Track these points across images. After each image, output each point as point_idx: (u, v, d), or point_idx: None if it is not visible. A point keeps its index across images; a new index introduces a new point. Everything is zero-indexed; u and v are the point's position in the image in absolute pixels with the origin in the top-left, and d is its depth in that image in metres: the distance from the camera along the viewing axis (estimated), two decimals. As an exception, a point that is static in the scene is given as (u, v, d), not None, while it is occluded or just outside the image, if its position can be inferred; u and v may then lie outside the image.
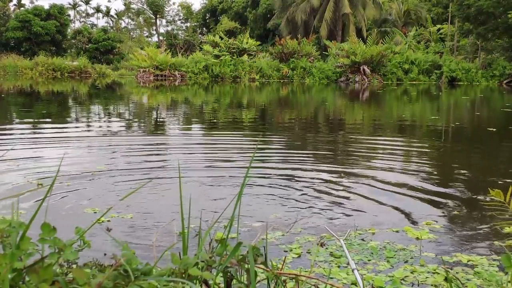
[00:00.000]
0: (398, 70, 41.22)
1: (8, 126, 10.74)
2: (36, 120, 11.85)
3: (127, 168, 6.04)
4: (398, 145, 8.51)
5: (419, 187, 5.39)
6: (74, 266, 1.97)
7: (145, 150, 7.63)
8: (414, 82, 39.91)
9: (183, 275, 1.65)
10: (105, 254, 2.60)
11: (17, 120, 12.06)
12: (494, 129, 11.22)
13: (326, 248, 3.41)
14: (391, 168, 6.38)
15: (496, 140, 9.58)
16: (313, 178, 5.74)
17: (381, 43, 44.01)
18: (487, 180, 5.83)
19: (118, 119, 12.95)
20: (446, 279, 2.75)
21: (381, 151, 7.80)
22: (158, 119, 13.14)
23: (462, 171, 6.34)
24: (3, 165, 5.99)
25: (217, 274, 1.78)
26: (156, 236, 2.80)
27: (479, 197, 5.00)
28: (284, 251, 3.37)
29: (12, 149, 7.02)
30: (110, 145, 7.94)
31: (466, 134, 10.78)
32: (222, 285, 1.83)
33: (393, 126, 11.71)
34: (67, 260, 1.89)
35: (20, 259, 1.69)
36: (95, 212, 4.05)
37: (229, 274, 1.81)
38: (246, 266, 1.83)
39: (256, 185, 5.27)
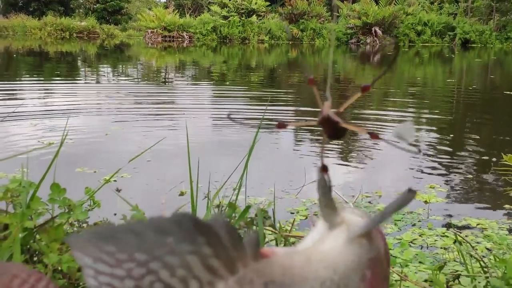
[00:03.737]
0: (410, 32, 40.54)
1: (18, 84, 10.74)
2: (46, 79, 11.84)
3: (135, 131, 6.04)
4: (409, 110, 8.44)
5: (429, 151, 5.36)
6: (85, 225, 1.99)
7: (154, 111, 7.62)
8: (427, 44, 39.30)
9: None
10: (115, 214, 2.63)
11: (27, 79, 12.06)
12: (510, 92, 11.07)
13: (334, 211, 3.41)
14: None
15: (510, 104, 9.46)
16: (320, 143, 5.73)
17: (394, 4, 43.17)
18: (501, 145, 5.78)
19: (127, 80, 12.91)
20: (455, 243, 2.76)
21: (391, 115, 7.74)
22: (166, 80, 13.09)
23: (475, 135, 6.29)
24: (12, 124, 6.02)
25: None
26: (165, 197, 2.82)
27: (491, 162, 4.97)
28: (291, 213, 3.38)
29: (22, 106, 7.03)
30: (120, 106, 7.94)
31: (480, 98, 10.65)
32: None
33: (404, 90, 11.58)
34: (77, 219, 1.90)
35: (31, 218, 1.70)
36: (97, 173, 4.08)
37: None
38: (255, 228, 1.84)
39: (265, 147, 5.27)
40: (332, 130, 0.64)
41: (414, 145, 0.67)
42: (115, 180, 3.89)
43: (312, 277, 0.56)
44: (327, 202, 0.62)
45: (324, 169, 0.67)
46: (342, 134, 0.66)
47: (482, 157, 5.15)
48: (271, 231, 1.86)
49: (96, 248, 0.47)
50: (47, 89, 9.95)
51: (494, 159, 4.99)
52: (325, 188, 0.62)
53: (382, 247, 0.60)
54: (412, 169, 4.68)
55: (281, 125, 0.64)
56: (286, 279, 0.54)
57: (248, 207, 1.69)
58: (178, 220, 0.47)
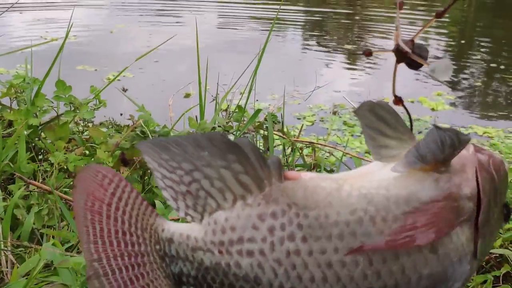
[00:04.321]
0: None
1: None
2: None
3: (140, 29, 5.87)
4: (418, 11, 8.15)
5: (438, 55, 5.24)
6: (90, 125, 1.96)
7: (160, 8, 7.38)
8: None
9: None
10: (121, 114, 2.59)
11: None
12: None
13: (340, 117, 3.39)
14: (410, 35, 6.15)
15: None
16: (334, 48, 5.58)
17: None
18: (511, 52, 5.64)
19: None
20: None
21: (402, 17, 7.49)
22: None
23: (485, 41, 6.11)
24: (14, 17, 5.84)
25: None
26: (172, 98, 2.77)
27: (500, 71, 4.86)
28: (298, 118, 3.35)
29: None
30: (125, 1, 7.68)
31: (495, 4, 10.27)
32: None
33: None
34: (83, 118, 1.87)
35: (36, 116, 1.67)
36: (98, 71, 4.00)
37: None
38: (263, 132, 1.81)
39: (274, 51, 5.14)
40: (405, 60, 0.66)
41: (448, 82, 0.67)
42: (119, 80, 3.82)
43: (339, 203, 0.56)
44: (403, 130, 0.62)
45: (398, 100, 0.69)
46: (415, 65, 0.66)
47: (491, 64, 5.03)
48: (280, 136, 1.83)
49: (157, 155, 0.58)
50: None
51: (502, 67, 4.87)
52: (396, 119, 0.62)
53: (466, 185, 0.58)
54: (420, 75, 4.59)
55: (368, 52, 0.68)
56: (309, 202, 0.56)
57: (258, 111, 1.65)
58: (210, 137, 0.55)
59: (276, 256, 0.55)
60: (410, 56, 0.63)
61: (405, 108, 0.67)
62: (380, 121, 0.61)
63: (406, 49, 0.62)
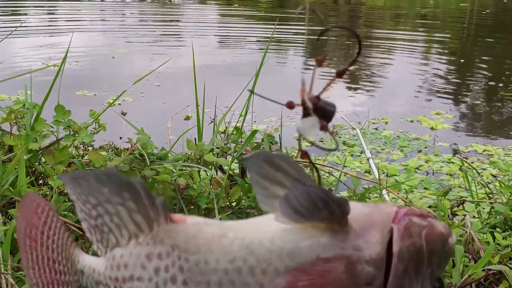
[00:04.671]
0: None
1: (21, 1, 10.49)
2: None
3: (142, 54, 5.94)
4: (419, 31, 8.23)
5: (437, 77, 5.27)
6: (90, 148, 1.98)
7: (159, 28, 7.46)
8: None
9: (199, 161, 1.65)
10: (120, 138, 2.61)
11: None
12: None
13: (339, 137, 3.40)
14: (409, 56, 6.21)
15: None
16: (328, 68, 5.63)
17: None
18: (510, 71, 5.67)
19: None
20: (461, 169, 2.75)
21: (400, 40, 7.56)
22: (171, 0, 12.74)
23: (485, 61, 6.16)
24: (17, 42, 5.91)
25: (232, 161, 1.78)
26: (172, 121, 2.80)
27: (499, 87, 4.89)
28: (297, 139, 3.37)
29: (26, 22, 6.89)
30: (126, 28, 7.77)
31: (493, 22, 10.36)
32: (237, 171, 1.84)
33: (414, 14, 11.26)
34: (82, 142, 1.89)
35: (35, 140, 1.69)
36: (98, 96, 4.04)
37: (244, 160, 1.80)
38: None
39: (272, 70, 5.19)
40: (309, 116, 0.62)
41: (331, 149, 0.66)
42: (119, 104, 3.85)
43: (220, 251, 0.56)
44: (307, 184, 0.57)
45: (304, 154, 0.63)
46: (325, 119, 0.62)
47: (491, 83, 5.06)
48: (278, 156, 1.84)
49: (74, 188, 0.60)
50: (51, 6, 9.72)
51: (501, 85, 4.90)
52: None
53: (366, 248, 0.55)
54: (419, 95, 4.62)
55: (291, 106, 0.63)
56: (190, 246, 0.57)
57: (254, 132, 1.67)
58: (108, 173, 0.57)
59: None
60: (312, 113, 0.61)
61: (310, 161, 0.65)
62: (278, 171, 0.59)
63: (310, 105, 0.61)
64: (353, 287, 0.55)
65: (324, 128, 0.61)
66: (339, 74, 0.64)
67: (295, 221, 0.55)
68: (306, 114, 0.61)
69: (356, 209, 0.59)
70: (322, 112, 0.61)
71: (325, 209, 0.54)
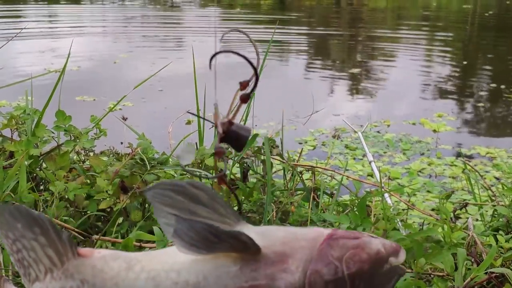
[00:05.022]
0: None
1: (23, 6, 10.53)
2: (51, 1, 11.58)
3: (143, 59, 5.95)
4: (421, 36, 8.22)
5: (440, 79, 5.26)
6: (91, 154, 1.98)
7: (161, 32, 7.47)
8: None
9: (200, 166, 1.65)
10: (121, 143, 2.61)
11: (32, 2, 11.80)
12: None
13: (341, 141, 3.40)
14: (413, 59, 6.20)
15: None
16: (331, 70, 5.63)
17: None
18: None
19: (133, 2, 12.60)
20: (464, 172, 2.75)
21: (404, 42, 7.55)
22: (173, 3, 12.77)
23: (487, 63, 6.14)
24: (18, 47, 5.92)
25: (234, 165, 1.78)
26: (174, 126, 2.80)
27: (502, 91, 4.87)
28: (299, 143, 3.36)
29: (28, 28, 6.90)
30: (128, 32, 7.79)
31: (495, 24, 10.34)
32: (239, 175, 1.83)
33: (416, 15, 11.26)
34: (83, 148, 1.89)
35: (36, 146, 1.69)
36: (97, 101, 4.04)
37: (245, 165, 1.80)
38: (262, 157, 1.82)
39: (274, 73, 5.19)
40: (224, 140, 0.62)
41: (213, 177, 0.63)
42: (120, 109, 3.86)
43: (126, 285, 0.56)
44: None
45: (222, 180, 0.62)
46: (235, 145, 0.62)
47: (493, 84, 5.05)
48: (279, 160, 1.84)
49: None
50: (52, 10, 9.75)
51: (503, 87, 4.88)
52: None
53: (280, 277, 0.53)
54: (421, 97, 4.61)
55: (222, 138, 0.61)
56: (97, 281, 0.57)
57: (255, 136, 1.67)
58: (18, 208, 0.58)
59: None
60: (222, 138, 0.60)
61: (228, 186, 0.65)
62: (191, 201, 0.58)
63: (220, 130, 0.60)
64: None
65: (218, 153, 0.60)
66: (243, 100, 0.63)
67: (198, 253, 0.55)
68: (221, 138, 0.61)
69: (275, 235, 0.58)
70: (236, 136, 0.61)
71: (220, 243, 0.53)
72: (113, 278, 0.57)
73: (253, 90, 0.64)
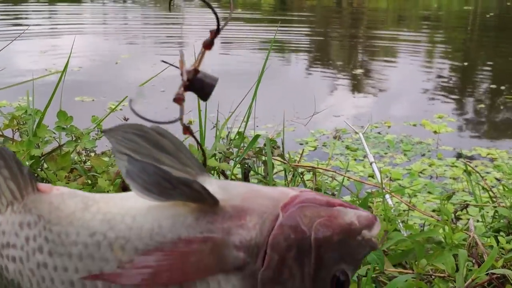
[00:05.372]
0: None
1: (25, 6, 10.54)
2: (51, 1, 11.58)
3: (145, 59, 5.95)
4: (421, 37, 8.22)
5: (440, 80, 5.26)
6: (92, 154, 1.98)
7: (162, 33, 7.47)
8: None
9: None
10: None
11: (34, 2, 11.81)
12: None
13: (342, 142, 3.40)
14: (413, 61, 6.20)
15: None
16: (332, 71, 5.63)
17: None
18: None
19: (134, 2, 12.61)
20: (463, 173, 2.75)
21: (404, 42, 7.55)
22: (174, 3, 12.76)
23: (488, 63, 6.14)
24: (21, 48, 5.92)
25: (235, 166, 1.77)
26: (172, 126, 2.80)
27: (503, 92, 4.87)
28: (300, 144, 3.37)
29: (30, 29, 6.90)
30: (129, 32, 7.79)
31: (496, 24, 10.34)
32: (240, 176, 1.83)
33: (417, 16, 11.26)
34: (85, 148, 1.89)
35: (38, 146, 1.69)
36: (96, 102, 4.05)
37: (246, 165, 1.80)
38: (263, 158, 1.82)
39: (275, 75, 5.19)
40: (190, 89, 0.61)
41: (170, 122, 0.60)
42: (121, 109, 3.85)
43: (80, 224, 0.56)
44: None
45: (187, 130, 0.62)
46: (200, 94, 0.62)
47: (494, 85, 5.04)
48: (280, 161, 1.84)
49: None
50: (52, 11, 9.76)
51: (502, 87, 4.88)
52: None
53: (236, 233, 0.52)
54: (421, 98, 4.60)
55: (180, 98, 0.61)
56: (52, 217, 0.57)
57: (256, 136, 1.67)
58: None
59: (30, 266, 0.57)
60: (186, 86, 0.59)
61: (194, 138, 0.64)
62: (155, 147, 0.56)
63: (185, 78, 0.60)
64: (218, 271, 0.53)
65: (178, 100, 0.59)
66: (207, 47, 0.63)
67: (154, 199, 0.54)
68: (186, 86, 0.60)
69: (237, 191, 0.57)
70: (201, 84, 0.60)
71: (173, 190, 0.53)
72: (68, 216, 0.57)
73: (214, 37, 0.63)
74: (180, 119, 0.61)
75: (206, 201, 0.54)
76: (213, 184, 0.57)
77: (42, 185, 0.60)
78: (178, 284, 0.53)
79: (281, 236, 0.54)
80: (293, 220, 0.55)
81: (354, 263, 0.58)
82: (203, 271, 0.53)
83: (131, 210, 0.56)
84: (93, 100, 4.22)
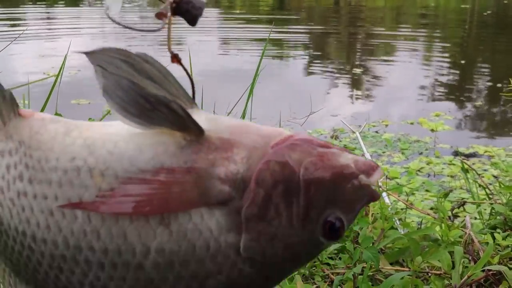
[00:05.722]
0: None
1: (22, 9, 10.54)
2: (49, 4, 11.58)
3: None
4: (420, 35, 8.23)
5: (437, 78, 5.27)
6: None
7: (160, 35, 7.46)
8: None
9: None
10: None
11: (31, 5, 11.80)
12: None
13: (340, 141, 3.40)
14: (410, 59, 6.21)
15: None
16: (329, 70, 5.63)
17: None
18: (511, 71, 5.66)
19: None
20: (462, 170, 2.75)
21: (402, 41, 7.56)
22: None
23: (485, 61, 6.15)
24: (18, 52, 5.92)
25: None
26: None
27: (500, 89, 4.88)
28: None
29: (27, 32, 6.89)
30: (124, 32, 7.78)
31: (494, 22, 10.34)
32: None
33: (414, 15, 11.26)
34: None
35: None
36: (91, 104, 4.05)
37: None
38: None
39: (271, 74, 5.20)
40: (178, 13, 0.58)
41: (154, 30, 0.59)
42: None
43: (60, 149, 0.54)
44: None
45: (175, 57, 0.61)
46: (189, 19, 0.59)
47: (491, 83, 5.05)
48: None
49: None
50: (50, 13, 9.76)
51: (499, 85, 4.88)
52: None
53: (222, 165, 0.50)
54: (419, 97, 4.61)
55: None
56: (33, 143, 0.55)
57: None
58: None
59: (10, 196, 0.54)
60: (174, 9, 0.57)
61: (182, 66, 0.61)
62: (140, 75, 0.53)
63: None
64: (201, 203, 0.51)
65: (160, 14, 0.57)
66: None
67: (136, 123, 0.52)
68: (173, 9, 0.58)
69: (227, 124, 0.55)
70: (188, 7, 0.58)
71: (152, 112, 0.50)
72: (48, 141, 0.55)
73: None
74: (161, 28, 0.59)
75: (190, 130, 0.52)
76: (201, 115, 0.55)
77: (23, 110, 0.58)
78: (159, 214, 0.51)
79: (267, 172, 0.52)
80: (281, 156, 0.53)
81: (350, 210, 0.55)
82: (185, 203, 0.51)
83: (113, 136, 0.54)
84: (89, 103, 4.22)
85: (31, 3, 12.06)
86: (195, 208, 0.51)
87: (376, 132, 3.64)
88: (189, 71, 0.63)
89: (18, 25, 8.69)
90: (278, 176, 0.52)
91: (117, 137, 0.54)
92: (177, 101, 0.51)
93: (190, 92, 0.58)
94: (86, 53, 0.53)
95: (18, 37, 5.38)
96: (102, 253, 0.52)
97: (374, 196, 0.55)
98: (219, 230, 0.51)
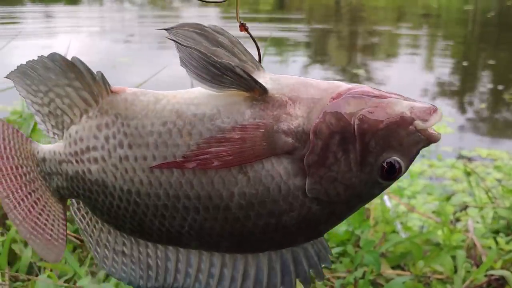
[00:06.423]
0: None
1: (20, 8, 10.55)
2: (48, 3, 11.59)
3: (142, 63, 5.95)
4: (422, 36, 8.22)
5: (440, 80, 5.25)
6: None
7: (160, 35, 7.47)
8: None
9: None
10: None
11: (30, 4, 11.82)
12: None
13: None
14: (413, 60, 6.19)
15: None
16: (330, 70, 5.62)
17: None
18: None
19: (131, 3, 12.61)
20: (464, 173, 2.74)
21: (404, 42, 7.55)
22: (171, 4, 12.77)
23: (488, 63, 6.13)
24: (17, 52, 5.93)
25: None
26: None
27: (503, 92, 4.86)
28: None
29: (25, 30, 6.91)
30: (127, 33, 7.79)
31: (497, 25, 10.32)
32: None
33: (418, 16, 11.25)
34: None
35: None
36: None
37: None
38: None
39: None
40: None
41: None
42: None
43: (153, 115, 0.62)
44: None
45: (242, 26, 0.70)
46: None
47: (494, 86, 5.03)
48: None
49: (23, 82, 0.66)
50: (49, 11, 9.77)
51: (501, 88, 4.87)
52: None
53: (285, 119, 0.58)
54: (421, 99, 4.59)
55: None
56: (128, 113, 0.63)
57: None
58: (52, 58, 0.62)
59: (113, 162, 0.63)
60: None
61: (250, 34, 0.70)
62: (212, 44, 0.61)
63: None
64: (270, 153, 0.59)
65: None
66: None
67: (210, 87, 0.60)
68: None
69: (287, 82, 0.62)
70: None
71: (221, 76, 0.58)
72: (142, 110, 0.62)
73: None
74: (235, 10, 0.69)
75: (256, 90, 0.59)
76: (266, 76, 0.62)
77: (115, 87, 0.64)
78: (238, 165, 0.59)
79: (323, 124, 0.59)
80: (336, 108, 0.59)
81: (407, 154, 0.60)
82: (257, 154, 0.59)
83: (194, 100, 0.62)
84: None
85: (29, 2, 12.08)
86: (266, 158, 0.59)
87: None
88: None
89: (16, 23, 8.69)
90: (334, 127, 0.59)
91: (197, 100, 0.62)
92: (240, 66, 0.59)
93: (256, 57, 0.65)
94: (167, 29, 0.61)
95: (14, 38, 5.37)
96: (196, 199, 0.62)
97: (431, 138, 0.59)
98: (287, 175, 0.60)
